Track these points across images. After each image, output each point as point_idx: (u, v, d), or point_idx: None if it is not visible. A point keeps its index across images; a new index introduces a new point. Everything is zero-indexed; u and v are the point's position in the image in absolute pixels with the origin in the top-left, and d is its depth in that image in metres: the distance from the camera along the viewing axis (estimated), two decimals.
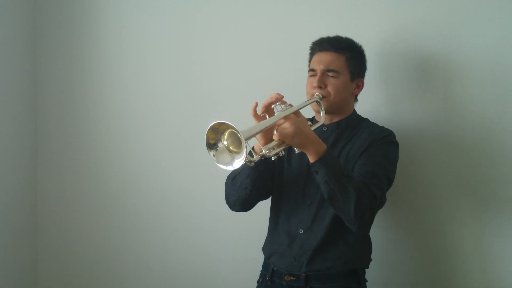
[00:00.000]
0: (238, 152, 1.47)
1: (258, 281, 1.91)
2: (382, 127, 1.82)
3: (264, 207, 1.89)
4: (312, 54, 1.86)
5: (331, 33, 1.86)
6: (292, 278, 1.76)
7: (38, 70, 2.69)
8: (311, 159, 1.59)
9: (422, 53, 1.99)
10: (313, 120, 1.90)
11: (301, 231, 1.76)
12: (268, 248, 1.87)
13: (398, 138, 1.81)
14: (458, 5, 1.93)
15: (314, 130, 1.65)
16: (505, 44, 1.87)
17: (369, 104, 2.00)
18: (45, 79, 2.68)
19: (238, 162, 1.45)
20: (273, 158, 1.58)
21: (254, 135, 1.52)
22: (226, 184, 1.82)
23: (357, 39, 1.86)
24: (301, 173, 1.78)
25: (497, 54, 1.88)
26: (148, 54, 2.49)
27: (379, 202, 1.64)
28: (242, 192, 1.75)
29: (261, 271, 1.91)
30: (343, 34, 1.86)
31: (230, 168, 1.48)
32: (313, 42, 1.86)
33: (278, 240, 1.82)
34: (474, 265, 1.94)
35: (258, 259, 1.94)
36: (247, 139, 1.44)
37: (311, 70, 1.82)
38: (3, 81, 2.52)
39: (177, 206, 2.47)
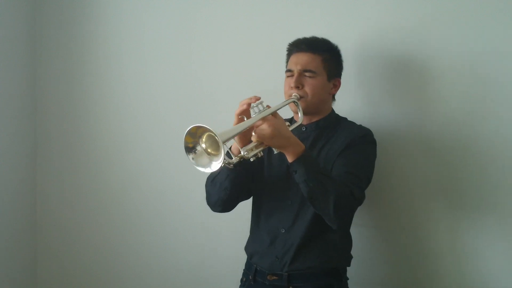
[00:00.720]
0: (216, 155, 1.49)
1: (241, 280, 1.92)
2: (360, 126, 1.84)
3: None
4: (289, 55, 1.88)
5: (325, 34, 1.87)
6: (275, 277, 1.77)
7: (37, 70, 2.69)
8: (290, 159, 1.61)
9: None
10: (292, 120, 1.90)
11: (282, 230, 1.78)
12: (250, 247, 1.88)
13: (376, 138, 1.83)
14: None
15: (292, 131, 1.67)
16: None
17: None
18: (45, 79, 2.68)
19: (216, 164, 1.48)
20: (251, 159, 1.60)
21: (232, 137, 1.53)
22: (206, 185, 1.83)
23: (336, 40, 1.88)
24: (282, 173, 1.80)
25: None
26: (148, 54, 2.49)
27: (358, 200, 1.67)
28: (221, 192, 1.76)
29: (243, 270, 1.92)
30: (323, 35, 1.87)
31: (209, 170, 1.50)
32: (289, 43, 1.88)
33: (260, 240, 1.83)
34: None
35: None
36: (224, 141, 1.45)
37: (288, 70, 1.83)
38: (2, 81, 2.52)
39: (176, 206, 2.48)
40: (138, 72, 2.52)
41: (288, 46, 1.88)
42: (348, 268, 1.86)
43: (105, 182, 2.61)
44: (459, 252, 1.96)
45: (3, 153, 2.53)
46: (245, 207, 1.91)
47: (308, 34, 1.90)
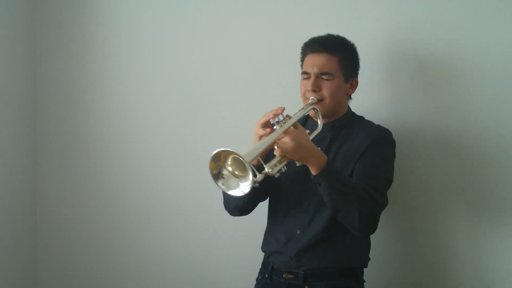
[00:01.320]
0: (244, 176, 1.45)
1: (257, 279, 1.91)
2: (378, 125, 1.82)
3: (263, 207, 1.90)
4: (303, 55, 1.84)
5: (332, 33, 1.84)
6: (290, 276, 1.77)
7: (37, 70, 2.68)
8: (313, 172, 1.59)
9: (425, 53, 1.99)
10: (307, 119, 1.88)
11: (298, 231, 1.77)
12: (267, 247, 1.88)
13: (397, 138, 1.81)
14: (461, 5, 1.93)
15: (312, 139, 1.65)
16: (508, 45, 1.87)
17: (371, 101, 2.00)
18: (45, 79, 2.68)
19: (246, 186, 1.43)
20: (276, 176, 1.55)
21: (257, 156, 1.49)
22: (223, 192, 1.81)
23: (359, 38, 1.86)
24: (298, 175, 1.78)
25: (499, 55, 1.88)
26: (148, 54, 2.49)
27: (381, 206, 1.67)
28: (240, 200, 1.75)
29: (260, 269, 1.92)
30: (344, 33, 1.84)
31: (239, 193, 1.46)
32: (304, 43, 1.85)
33: (276, 240, 1.83)
34: (468, 268, 1.96)
35: (256, 258, 1.95)
36: (250, 162, 1.42)
37: (304, 72, 1.80)
38: (2, 81, 2.51)
39: (177, 206, 2.47)
40: (138, 72, 2.51)
41: (302, 46, 1.85)
42: (365, 270, 1.84)
43: (105, 182, 2.60)
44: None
45: (3, 153, 2.53)
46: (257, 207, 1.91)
47: (308, 34, 1.87)
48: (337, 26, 1.95)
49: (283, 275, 1.78)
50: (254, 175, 1.48)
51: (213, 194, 2.23)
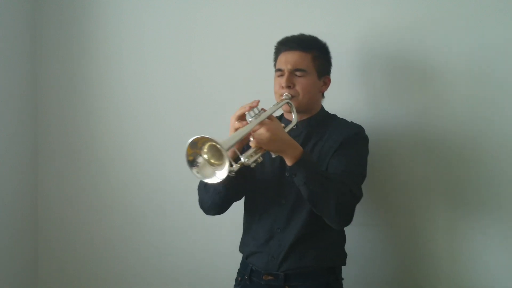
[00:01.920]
0: (220, 164, 1.46)
1: (236, 280, 1.92)
2: (352, 122, 1.84)
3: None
4: (277, 53, 1.87)
5: (325, 33, 1.87)
6: (270, 277, 1.77)
7: (38, 70, 2.68)
8: (289, 162, 1.60)
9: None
10: (281, 118, 1.90)
11: (278, 230, 1.77)
12: (245, 247, 1.88)
13: (376, 138, 1.84)
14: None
15: (287, 132, 1.66)
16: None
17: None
18: (45, 79, 2.68)
19: (222, 174, 1.44)
20: (252, 166, 1.57)
21: (234, 145, 1.51)
22: (198, 189, 1.82)
23: (337, 39, 1.89)
24: (274, 172, 1.80)
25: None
26: (148, 54, 2.49)
27: (357, 198, 1.68)
28: (216, 197, 1.76)
29: (238, 269, 1.92)
30: (323, 34, 1.87)
31: (216, 180, 1.46)
32: (278, 42, 1.87)
33: (255, 240, 1.83)
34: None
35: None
36: (227, 150, 1.42)
37: (278, 70, 1.82)
38: (3, 81, 2.51)
39: (177, 205, 2.48)
40: (138, 72, 2.52)
41: (276, 45, 1.87)
42: (343, 268, 1.86)
43: (106, 181, 2.61)
44: (457, 252, 1.97)
45: (4, 152, 2.53)
46: (237, 206, 1.90)
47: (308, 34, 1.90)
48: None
49: (263, 277, 1.78)
50: (231, 165, 1.49)
51: None
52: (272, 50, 2.22)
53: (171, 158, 2.47)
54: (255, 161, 1.57)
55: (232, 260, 2.01)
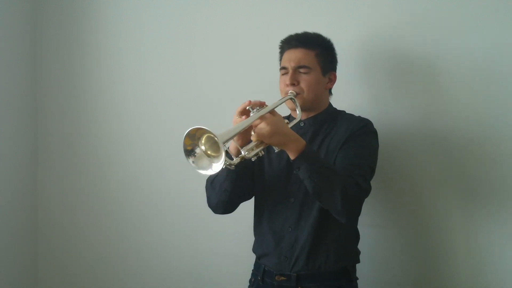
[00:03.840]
0: (217, 156, 1.47)
1: (250, 281, 1.91)
2: (359, 117, 1.83)
3: None
4: (282, 52, 1.87)
5: (328, 32, 1.87)
6: (283, 278, 1.76)
7: (38, 70, 2.69)
8: (292, 156, 1.59)
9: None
10: (289, 117, 1.89)
11: (289, 229, 1.76)
12: (258, 248, 1.87)
13: (383, 136, 1.82)
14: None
15: (291, 127, 1.65)
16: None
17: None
18: (45, 79, 2.69)
19: (217, 166, 1.45)
20: (253, 159, 1.58)
21: (231, 137, 1.51)
22: (206, 187, 1.82)
23: (340, 37, 1.88)
24: (281, 171, 1.79)
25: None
26: (148, 54, 2.49)
27: (364, 191, 1.64)
28: (222, 194, 1.75)
29: (252, 270, 1.91)
30: (326, 33, 1.86)
31: (210, 172, 1.48)
32: (281, 41, 1.87)
33: (266, 240, 1.82)
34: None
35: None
36: (224, 142, 1.43)
37: (282, 68, 1.82)
38: (3, 81, 2.52)
39: (178, 206, 2.47)
40: (138, 72, 2.51)
41: (280, 44, 1.87)
42: (358, 268, 1.83)
43: (106, 182, 2.61)
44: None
45: (4, 153, 2.53)
46: (247, 206, 1.90)
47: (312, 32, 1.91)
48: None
49: (275, 278, 1.77)
50: (231, 158, 1.52)
51: None
52: (273, 50, 2.22)
53: (171, 159, 2.46)
54: (256, 154, 1.57)
55: (246, 261, 1.99)
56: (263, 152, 1.60)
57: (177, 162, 2.44)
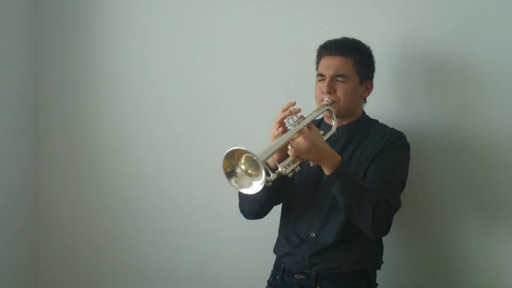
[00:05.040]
0: (257, 175, 1.47)
1: (268, 281, 1.92)
2: (393, 129, 1.83)
3: (273, 209, 1.91)
4: (319, 57, 1.86)
5: (339, 35, 1.85)
6: (302, 276, 1.77)
7: (39, 69, 2.66)
8: (327, 172, 1.60)
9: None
10: (321, 122, 1.90)
11: (313, 234, 1.77)
12: (279, 249, 1.88)
13: (410, 140, 1.82)
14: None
15: (326, 139, 1.65)
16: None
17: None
18: (47, 78, 2.66)
19: (258, 185, 1.45)
20: (289, 175, 1.58)
21: (270, 156, 1.51)
22: (239, 195, 1.82)
23: (369, 39, 1.86)
24: (310, 178, 1.79)
25: (503, 56, 1.88)
26: (151, 54, 2.47)
27: (394, 208, 1.66)
28: (256, 203, 1.77)
29: (272, 270, 1.92)
30: (353, 35, 1.85)
31: (251, 191, 1.48)
32: (320, 46, 1.86)
33: (289, 241, 1.83)
34: (480, 268, 1.95)
35: (264, 260, 1.97)
36: (264, 161, 1.43)
37: (319, 74, 1.82)
38: (4, 80, 2.50)
39: (180, 206, 2.47)
40: (140, 72, 2.50)
41: (318, 49, 1.86)
42: (378, 273, 1.84)
43: (107, 181, 2.59)
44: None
45: (5, 152, 2.52)
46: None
47: (312, 35, 1.91)
48: (347, 28, 1.95)
49: (295, 276, 1.78)
50: (268, 174, 1.48)
51: (218, 194, 2.29)
52: (279, 52, 2.23)
53: (174, 158, 2.46)
54: (292, 170, 1.57)
55: (264, 263, 1.99)
56: (299, 168, 1.59)
57: (180, 162, 2.46)
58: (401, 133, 1.80)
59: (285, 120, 1.60)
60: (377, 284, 1.83)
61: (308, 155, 1.56)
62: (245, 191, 1.49)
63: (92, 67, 2.58)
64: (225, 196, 2.18)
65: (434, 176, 2.00)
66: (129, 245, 2.57)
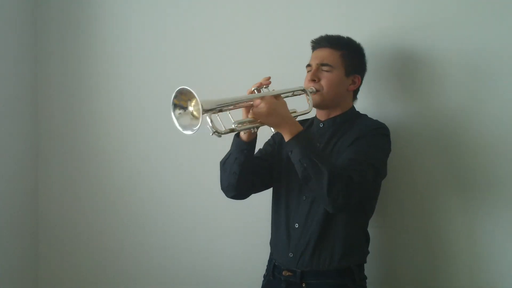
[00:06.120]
0: (197, 118, 1.51)
1: (264, 276, 1.93)
2: (376, 120, 1.83)
3: (268, 205, 1.92)
4: (312, 52, 1.89)
5: (329, 33, 1.87)
6: (289, 273, 1.79)
7: (39, 70, 2.69)
8: (286, 138, 1.62)
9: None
10: (313, 120, 1.91)
11: (296, 225, 1.78)
12: (272, 242, 1.90)
13: (398, 137, 1.83)
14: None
15: (312, 127, 1.69)
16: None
17: (368, 102, 2.02)
18: (46, 79, 2.69)
19: (193, 128, 1.51)
20: (242, 133, 1.65)
21: (215, 107, 1.53)
22: (220, 170, 1.84)
23: (369, 39, 1.90)
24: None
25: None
26: (150, 54, 2.49)
27: (356, 185, 1.59)
28: (231, 176, 1.78)
29: (267, 265, 1.93)
30: (343, 33, 1.87)
31: (188, 132, 1.52)
32: (312, 40, 1.89)
33: (279, 235, 1.85)
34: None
35: (260, 255, 1.98)
36: (206, 109, 1.48)
37: (308, 65, 1.86)
38: (4, 80, 2.52)
39: (180, 205, 2.47)
40: (140, 72, 2.52)
41: (311, 44, 1.90)
42: (366, 267, 1.84)
43: (107, 182, 2.61)
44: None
45: (5, 153, 2.54)
46: (248, 206, 1.90)
47: (307, 34, 1.92)
48: (335, 26, 1.97)
49: (283, 273, 1.80)
50: (218, 131, 1.55)
51: (216, 192, 2.26)
52: (276, 51, 2.23)
53: (173, 158, 2.47)
54: (247, 129, 1.63)
55: (258, 259, 2.02)
56: (255, 130, 1.65)
57: (180, 162, 2.46)
58: (383, 124, 1.80)
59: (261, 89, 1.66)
60: (366, 277, 1.83)
61: (266, 119, 1.60)
62: (181, 129, 1.53)
63: (92, 67, 2.59)
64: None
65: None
66: (129, 245, 2.58)
